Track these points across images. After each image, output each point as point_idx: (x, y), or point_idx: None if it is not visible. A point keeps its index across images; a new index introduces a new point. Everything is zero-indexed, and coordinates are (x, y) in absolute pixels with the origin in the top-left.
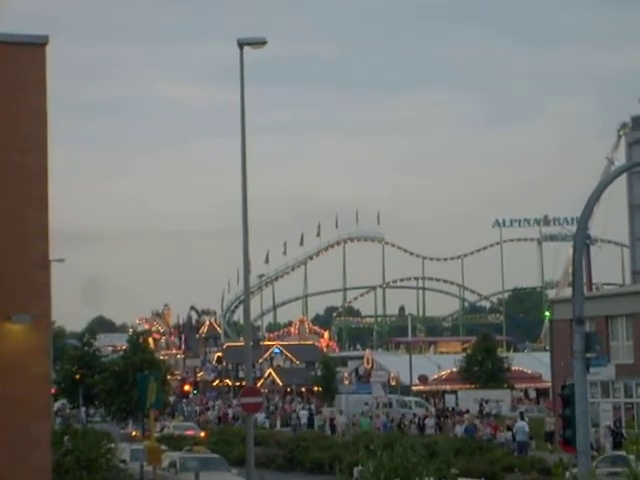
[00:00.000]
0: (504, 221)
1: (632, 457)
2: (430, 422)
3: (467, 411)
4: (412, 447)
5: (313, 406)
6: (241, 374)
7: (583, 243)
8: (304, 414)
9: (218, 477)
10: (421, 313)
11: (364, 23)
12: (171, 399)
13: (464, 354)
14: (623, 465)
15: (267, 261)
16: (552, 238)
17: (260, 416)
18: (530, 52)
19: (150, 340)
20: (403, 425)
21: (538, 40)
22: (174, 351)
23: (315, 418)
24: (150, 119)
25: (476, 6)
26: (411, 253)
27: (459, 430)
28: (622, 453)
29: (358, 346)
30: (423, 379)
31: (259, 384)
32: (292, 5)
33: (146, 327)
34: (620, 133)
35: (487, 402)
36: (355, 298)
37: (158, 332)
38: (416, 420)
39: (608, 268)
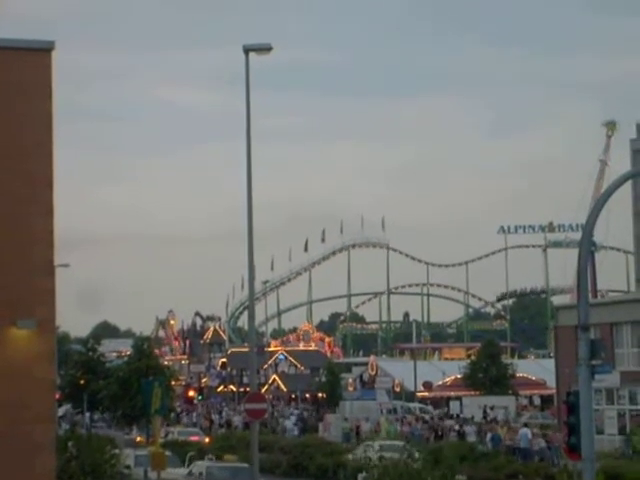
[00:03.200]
0: (509, 227)
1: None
2: (470, 429)
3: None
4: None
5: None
6: (245, 380)
7: (588, 250)
8: (289, 423)
9: None
10: (426, 319)
11: (365, 29)
12: (177, 404)
13: (468, 360)
14: (392, 450)
15: (272, 268)
16: (557, 245)
17: (289, 422)
18: (531, 59)
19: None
20: (440, 433)
21: (540, 47)
22: (178, 357)
23: (319, 425)
24: (153, 124)
25: (477, 13)
26: (416, 259)
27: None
28: (395, 442)
29: (361, 352)
30: (427, 385)
31: (263, 390)
32: (292, 11)
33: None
34: (608, 133)
35: (492, 409)
36: (360, 304)
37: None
38: (456, 427)
39: (613, 275)
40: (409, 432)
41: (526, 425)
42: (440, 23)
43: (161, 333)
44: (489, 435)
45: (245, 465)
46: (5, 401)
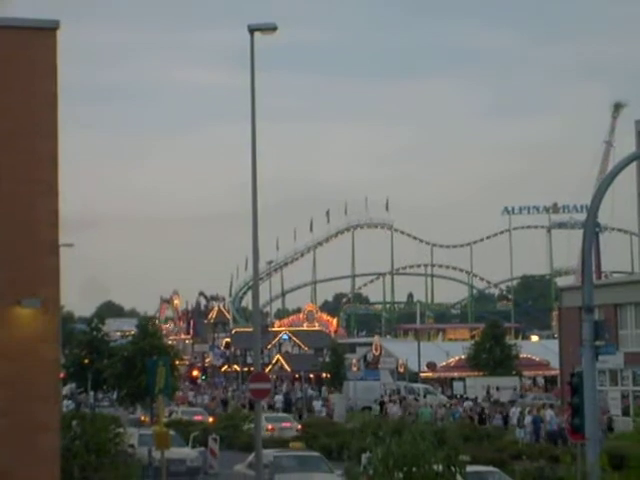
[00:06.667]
0: (513, 208)
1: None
2: (516, 411)
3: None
4: (421, 434)
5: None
6: (249, 360)
7: (593, 231)
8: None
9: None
10: (430, 300)
11: (365, 9)
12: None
13: (472, 341)
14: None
15: (278, 248)
16: (561, 226)
17: (317, 404)
18: (532, 40)
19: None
20: (484, 415)
21: (541, 29)
22: (182, 336)
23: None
24: (159, 105)
25: None
26: (420, 240)
27: (527, 420)
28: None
29: (364, 333)
30: (431, 366)
31: (267, 370)
32: None
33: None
34: (614, 114)
35: (497, 389)
36: (364, 285)
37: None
38: (499, 410)
39: (617, 256)
40: (449, 414)
41: (552, 406)
42: (441, 4)
43: (167, 313)
44: (528, 418)
45: (316, 453)
46: (9, 380)
